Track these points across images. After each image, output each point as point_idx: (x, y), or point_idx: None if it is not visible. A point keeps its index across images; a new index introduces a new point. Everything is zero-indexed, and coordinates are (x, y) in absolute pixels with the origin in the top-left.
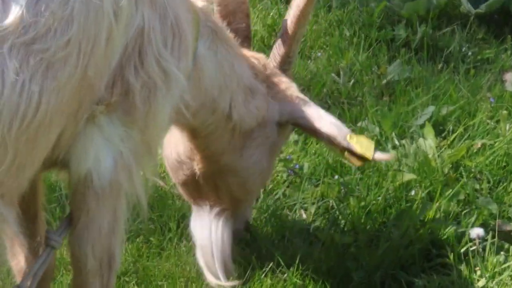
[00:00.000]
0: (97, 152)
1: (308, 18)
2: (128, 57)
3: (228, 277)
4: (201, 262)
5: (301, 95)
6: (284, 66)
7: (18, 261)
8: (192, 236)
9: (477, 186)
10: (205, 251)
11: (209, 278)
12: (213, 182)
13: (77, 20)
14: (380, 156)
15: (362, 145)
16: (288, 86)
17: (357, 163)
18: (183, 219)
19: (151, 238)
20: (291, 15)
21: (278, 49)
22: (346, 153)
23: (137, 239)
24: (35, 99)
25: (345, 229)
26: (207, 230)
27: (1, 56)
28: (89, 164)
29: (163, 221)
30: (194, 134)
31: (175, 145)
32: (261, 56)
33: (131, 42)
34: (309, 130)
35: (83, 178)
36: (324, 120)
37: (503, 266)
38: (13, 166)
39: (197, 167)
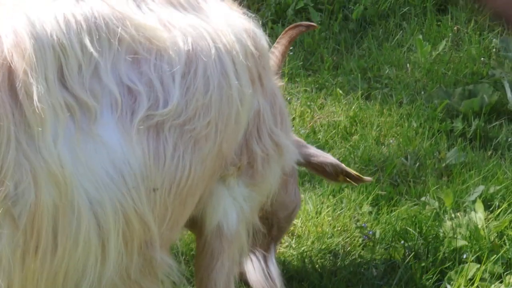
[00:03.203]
0: (225, 207)
1: (288, 50)
2: (250, 132)
3: None
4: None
5: (298, 138)
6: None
7: None
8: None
9: None
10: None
11: None
12: (267, 222)
13: (214, 106)
14: (368, 178)
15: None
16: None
17: (354, 183)
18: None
19: None
20: (279, 51)
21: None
22: (345, 177)
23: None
24: (187, 169)
25: (408, 284)
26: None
27: (163, 135)
28: (220, 216)
29: None
30: None
31: None
32: None
33: (251, 121)
34: (316, 166)
35: (215, 227)
36: (325, 156)
37: None
38: (169, 223)
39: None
